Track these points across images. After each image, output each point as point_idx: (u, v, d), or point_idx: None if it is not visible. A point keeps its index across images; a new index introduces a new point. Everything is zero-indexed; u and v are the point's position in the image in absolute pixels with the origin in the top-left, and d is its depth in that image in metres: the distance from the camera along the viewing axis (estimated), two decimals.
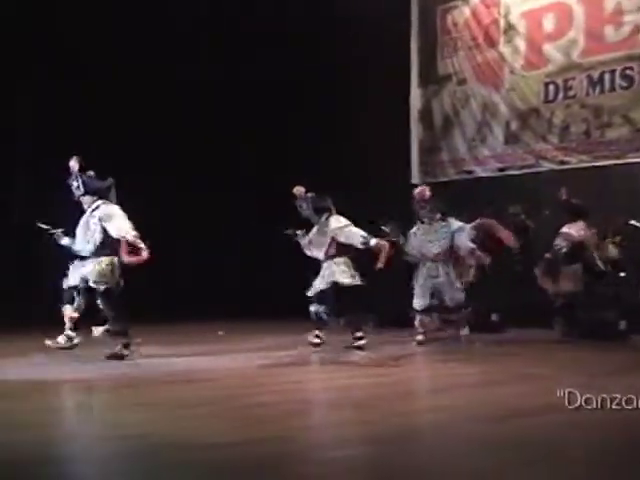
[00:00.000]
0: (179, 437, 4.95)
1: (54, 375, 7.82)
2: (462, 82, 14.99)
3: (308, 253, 10.43)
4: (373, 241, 9.70)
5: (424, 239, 10.84)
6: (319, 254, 10.23)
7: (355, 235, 9.86)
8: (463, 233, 10.64)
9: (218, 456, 4.51)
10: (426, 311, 10.75)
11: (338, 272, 9.96)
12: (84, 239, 8.90)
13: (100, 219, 8.84)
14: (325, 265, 10.13)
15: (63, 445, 4.94)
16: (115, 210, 8.89)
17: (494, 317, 12.29)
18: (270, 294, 14.72)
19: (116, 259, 8.80)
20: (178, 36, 15.47)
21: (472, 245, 10.70)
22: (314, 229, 10.38)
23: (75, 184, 8.86)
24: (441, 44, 15.33)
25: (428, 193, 10.93)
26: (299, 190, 10.26)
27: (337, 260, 10.04)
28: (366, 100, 15.00)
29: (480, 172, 14.63)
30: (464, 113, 14.94)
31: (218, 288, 14.84)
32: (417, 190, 11.13)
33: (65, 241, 9.01)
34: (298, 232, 10.40)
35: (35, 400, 6.47)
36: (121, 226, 8.74)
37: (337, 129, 15.40)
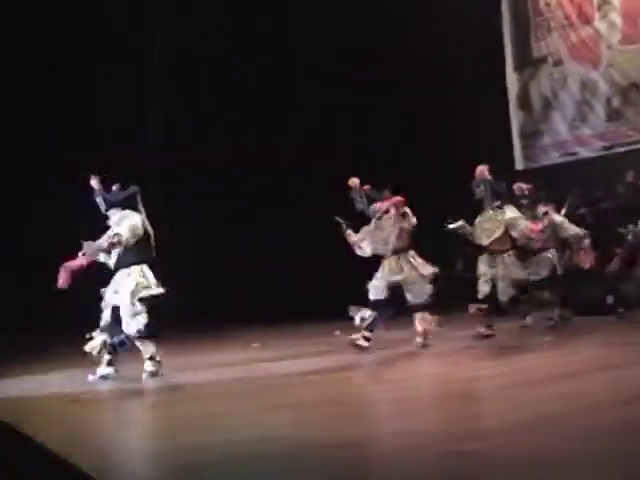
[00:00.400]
0: (310, 437, 5.05)
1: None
2: (558, 63, 14.76)
3: (359, 252, 9.91)
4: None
5: (481, 228, 10.23)
6: (382, 250, 9.78)
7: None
8: (516, 230, 10.05)
9: (350, 455, 4.59)
10: (483, 301, 10.08)
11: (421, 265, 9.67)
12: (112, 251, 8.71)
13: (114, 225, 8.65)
14: (393, 259, 9.70)
15: (215, 449, 5.02)
16: (129, 214, 8.64)
17: (609, 300, 12.04)
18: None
19: (145, 267, 8.58)
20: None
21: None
22: (370, 225, 9.91)
23: (98, 200, 8.80)
24: (534, 26, 15.13)
25: (487, 173, 10.21)
26: (354, 182, 9.85)
27: (411, 253, 9.73)
28: (462, 90, 14.89)
29: (584, 152, 14.38)
30: (563, 94, 14.71)
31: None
32: (478, 168, 10.32)
33: (101, 258, 8.80)
34: (349, 229, 9.88)
35: (172, 407, 6.71)
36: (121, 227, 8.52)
37: (435, 122, 15.29)
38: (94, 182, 8.76)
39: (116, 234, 8.44)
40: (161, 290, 8.50)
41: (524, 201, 10.67)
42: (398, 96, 15.47)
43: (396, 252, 9.71)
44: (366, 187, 9.87)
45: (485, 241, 10.15)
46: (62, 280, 8.31)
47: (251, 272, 15.39)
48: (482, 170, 10.22)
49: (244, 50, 15.64)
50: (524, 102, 15.27)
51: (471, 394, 6.50)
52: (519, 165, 14.99)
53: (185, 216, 15.29)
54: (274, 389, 7.29)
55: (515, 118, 15.34)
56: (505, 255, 10.10)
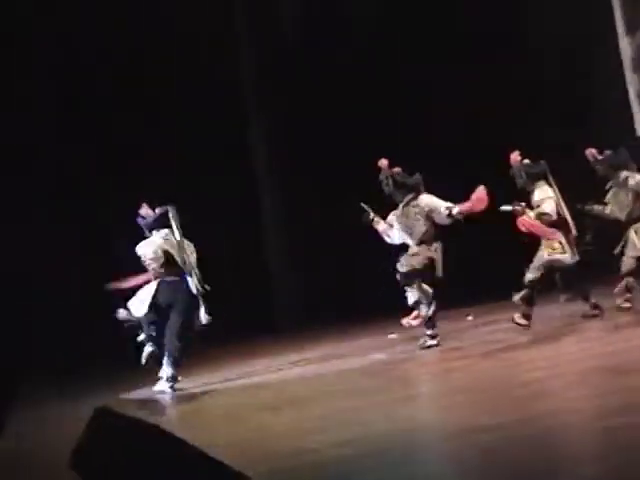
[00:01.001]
0: (450, 425, 5.07)
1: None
2: None
3: (388, 240, 9.63)
4: (456, 209, 9.07)
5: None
6: (406, 239, 9.44)
7: (439, 207, 9.20)
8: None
9: (502, 435, 4.60)
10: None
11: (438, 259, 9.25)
12: None
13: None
14: (416, 250, 9.35)
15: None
16: (152, 238, 9.44)
17: None
18: None
19: None
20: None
21: None
22: (397, 211, 9.58)
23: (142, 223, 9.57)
24: None
25: (519, 159, 9.69)
26: (383, 163, 9.46)
27: (435, 246, 9.30)
28: (573, 58, 14.49)
29: None
30: None
31: None
32: (511, 157, 9.80)
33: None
34: (372, 214, 9.53)
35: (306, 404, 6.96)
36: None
37: (550, 93, 14.89)
38: (142, 210, 9.53)
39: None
40: None
41: (599, 167, 10.01)
42: (513, 67, 15.15)
43: (421, 243, 9.36)
44: (396, 169, 9.50)
45: None
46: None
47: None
48: (514, 157, 9.75)
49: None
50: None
51: (618, 367, 6.37)
52: None
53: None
54: (404, 380, 7.32)
55: (631, 82, 14.86)
56: None
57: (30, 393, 8.79)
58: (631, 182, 9.84)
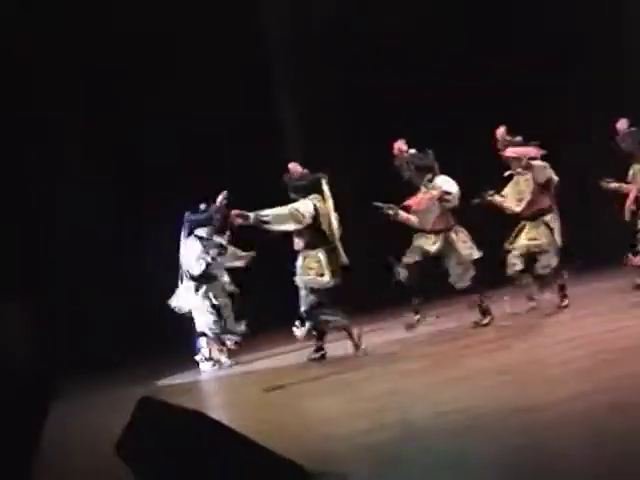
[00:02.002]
0: (499, 405, 5.20)
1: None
2: None
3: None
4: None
5: None
6: None
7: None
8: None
9: (542, 417, 4.72)
10: None
11: None
12: None
13: None
14: None
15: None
16: None
17: None
18: None
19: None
20: None
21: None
22: None
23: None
24: None
25: (405, 148, 8.93)
26: (292, 167, 8.85)
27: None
28: None
29: None
30: None
31: None
32: (395, 146, 8.94)
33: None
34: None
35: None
36: None
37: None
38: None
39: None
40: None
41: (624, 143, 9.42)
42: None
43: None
44: (305, 171, 8.80)
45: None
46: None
47: None
48: (399, 147, 8.89)
49: None
50: None
51: None
52: None
53: None
54: (445, 362, 7.37)
55: None
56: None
57: (76, 382, 9.08)
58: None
